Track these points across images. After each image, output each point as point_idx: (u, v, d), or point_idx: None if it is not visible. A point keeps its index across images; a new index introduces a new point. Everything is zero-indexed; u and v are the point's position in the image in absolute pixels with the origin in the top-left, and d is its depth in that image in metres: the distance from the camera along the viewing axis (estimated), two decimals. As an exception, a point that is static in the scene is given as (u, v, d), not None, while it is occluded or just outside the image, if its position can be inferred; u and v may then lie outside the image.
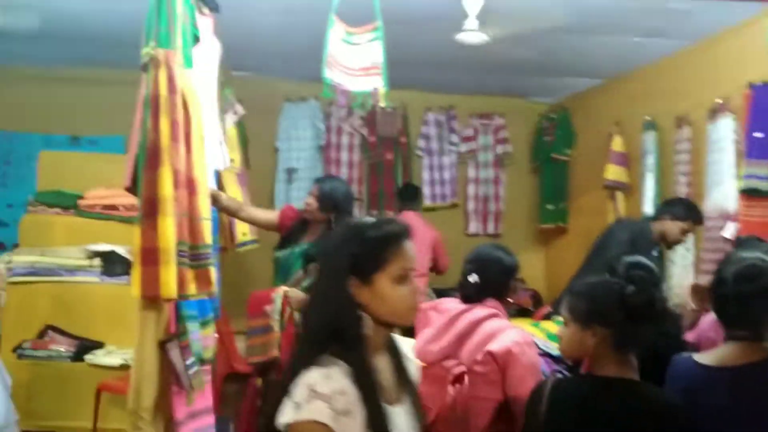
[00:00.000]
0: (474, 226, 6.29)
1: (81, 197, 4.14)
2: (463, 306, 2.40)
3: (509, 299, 2.42)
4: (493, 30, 3.83)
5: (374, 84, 2.74)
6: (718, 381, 1.74)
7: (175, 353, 2.28)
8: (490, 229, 6.32)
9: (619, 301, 1.76)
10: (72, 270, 3.95)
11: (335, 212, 3.33)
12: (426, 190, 6.11)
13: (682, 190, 4.21)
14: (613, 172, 4.94)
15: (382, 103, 2.76)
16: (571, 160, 6.01)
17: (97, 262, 3.95)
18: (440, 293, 5.35)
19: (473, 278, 2.39)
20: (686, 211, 3.76)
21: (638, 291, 1.76)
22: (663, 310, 1.81)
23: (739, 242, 2.94)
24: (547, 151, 6.14)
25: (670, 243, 3.81)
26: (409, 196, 5.34)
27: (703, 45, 4.22)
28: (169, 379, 2.35)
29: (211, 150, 2.66)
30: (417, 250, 5.14)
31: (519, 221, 6.36)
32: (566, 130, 6.03)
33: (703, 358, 1.84)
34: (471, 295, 2.40)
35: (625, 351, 1.77)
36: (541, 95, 6.29)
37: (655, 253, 3.76)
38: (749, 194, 3.61)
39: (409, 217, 4.99)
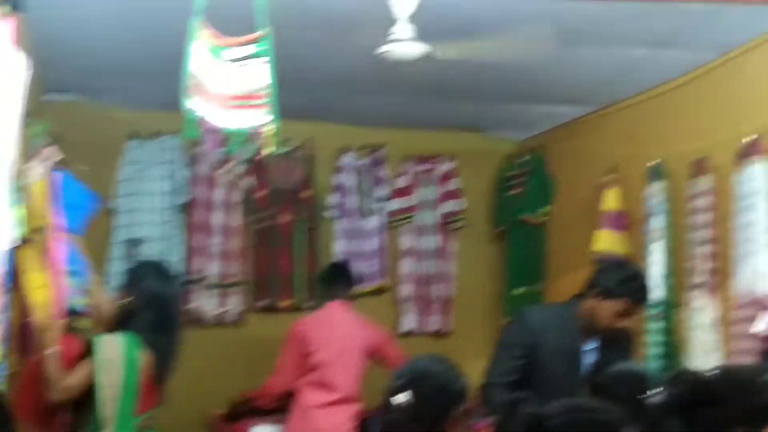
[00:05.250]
0: (411, 321, 6.33)
1: None
2: None
3: (453, 436, 2.48)
4: (436, 40, 3.93)
5: (256, 119, 2.76)
6: None
7: None
8: (435, 324, 6.36)
9: None
10: None
11: None
12: (340, 269, 6.12)
13: (702, 266, 4.38)
14: (606, 240, 5.09)
15: (268, 147, 2.78)
16: (550, 224, 6.16)
17: None
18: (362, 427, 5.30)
19: (404, 398, 2.45)
20: (620, 283, 3.81)
21: None
22: None
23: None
24: (515, 210, 6.29)
25: (600, 330, 3.83)
26: (338, 277, 5.36)
27: (731, 60, 4.42)
28: None
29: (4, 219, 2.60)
30: (341, 362, 5.03)
31: (477, 312, 6.42)
32: (542, 180, 6.20)
33: None
34: (399, 424, 2.45)
35: None
36: (506, 130, 6.46)
37: (589, 346, 3.87)
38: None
39: (336, 311, 5.07)
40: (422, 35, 3.71)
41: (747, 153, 4.13)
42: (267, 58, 2.87)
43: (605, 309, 3.76)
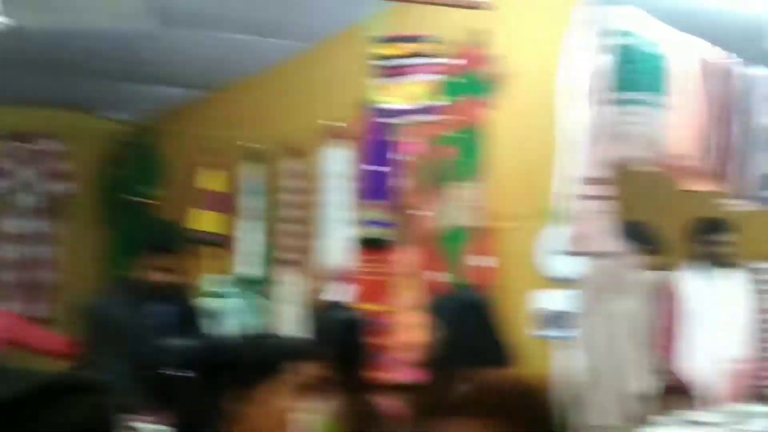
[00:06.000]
0: (12, 309, 6.08)
1: None
2: None
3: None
4: (26, 12, 3.82)
5: None
6: None
7: None
8: (39, 311, 6.19)
9: None
10: None
11: None
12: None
13: (292, 243, 4.70)
14: (206, 221, 5.29)
15: None
16: (159, 206, 6.24)
17: None
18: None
19: None
20: (164, 239, 4.17)
21: None
22: None
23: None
24: (122, 191, 6.32)
25: (152, 289, 3.99)
26: None
27: (318, 50, 4.76)
28: None
29: None
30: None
31: (84, 297, 6.33)
32: (150, 161, 6.27)
33: None
34: None
35: None
36: (115, 110, 6.46)
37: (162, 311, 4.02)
38: (367, 246, 4.17)
39: None
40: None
41: (328, 137, 4.50)
42: None
43: (140, 268, 3.97)
